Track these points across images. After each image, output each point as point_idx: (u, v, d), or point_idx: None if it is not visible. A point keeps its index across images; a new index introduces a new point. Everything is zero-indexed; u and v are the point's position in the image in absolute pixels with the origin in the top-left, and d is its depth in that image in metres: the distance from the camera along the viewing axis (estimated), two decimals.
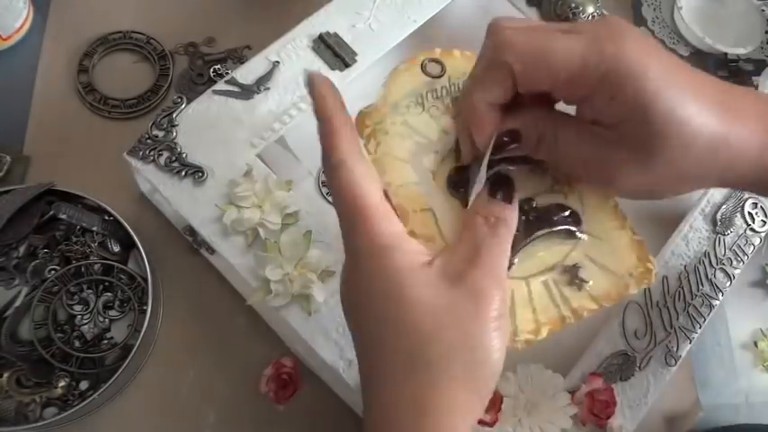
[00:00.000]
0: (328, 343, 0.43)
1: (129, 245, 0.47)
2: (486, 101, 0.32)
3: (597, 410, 0.44)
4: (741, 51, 0.66)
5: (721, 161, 0.31)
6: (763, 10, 0.69)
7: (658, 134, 0.30)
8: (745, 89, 0.34)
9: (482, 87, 0.32)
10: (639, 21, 0.69)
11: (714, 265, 0.51)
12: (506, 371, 0.43)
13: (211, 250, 0.47)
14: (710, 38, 0.66)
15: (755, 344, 0.56)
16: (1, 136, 0.52)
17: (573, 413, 0.44)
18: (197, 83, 0.56)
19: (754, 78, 0.66)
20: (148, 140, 0.46)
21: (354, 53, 0.51)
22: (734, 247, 0.52)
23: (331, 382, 0.47)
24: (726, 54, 0.67)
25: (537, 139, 0.33)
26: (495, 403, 0.41)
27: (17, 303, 0.43)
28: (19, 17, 0.55)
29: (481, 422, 0.41)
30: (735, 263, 0.52)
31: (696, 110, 0.30)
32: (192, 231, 0.47)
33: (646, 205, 0.57)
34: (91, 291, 0.45)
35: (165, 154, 0.45)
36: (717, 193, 0.53)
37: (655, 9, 0.70)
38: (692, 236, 0.52)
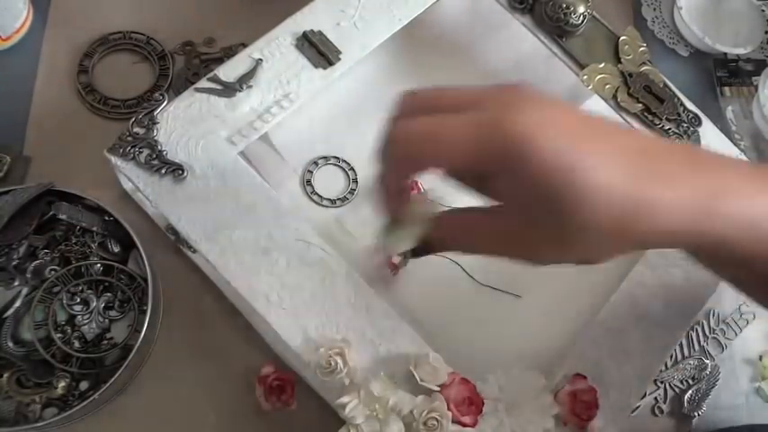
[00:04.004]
0: (307, 342, 0.43)
1: (128, 245, 0.48)
2: (387, 188, 0.34)
3: (579, 411, 0.44)
4: (741, 51, 0.66)
5: (645, 228, 0.28)
6: (763, 10, 0.69)
7: (566, 210, 0.28)
8: (673, 145, 0.31)
9: (388, 180, 0.33)
10: (639, 21, 0.68)
11: (707, 334, 0.54)
12: (487, 373, 0.44)
13: (193, 249, 0.47)
14: (710, 38, 0.65)
15: (760, 358, 0.56)
16: (1, 136, 0.53)
17: (554, 413, 0.44)
18: (193, 82, 0.57)
19: (753, 78, 0.66)
20: (129, 138, 0.46)
21: (339, 51, 0.51)
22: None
23: (311, 380, 0.48)
24: (726, 54, 0.67)
25: (455, 238, 0.34)
26: (477, 406, 0.43)
27: (17, 304, 0.44)
28: (19, 17, 0.55)
29: (461, 423, 0.42)
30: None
31: (607, 176, 0.27)
32: (173, 229, 0.47)
33: None
34: (91, 291, 0.46)
35: (146, 151, 0.46)
36: None
37: (655, 9, 0.69)
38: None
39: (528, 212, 0.29)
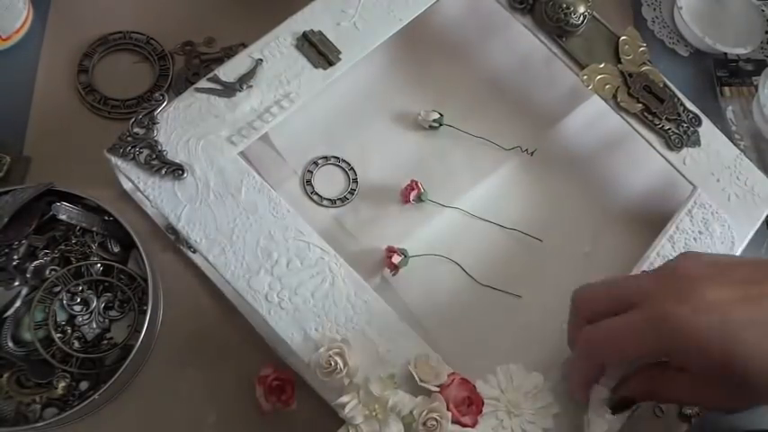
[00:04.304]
0: (307, 342, 0.44)
1: (128, 245, 0.48)
2: (582, 380, 0.42)
3: None
4: (741, 51, 0.66)
5: None
6: (763, 10, 0.69)
7: (738, 378, 0.34)
8: None
9: (577, 373, 0.42)
10: (639, 21, 0.69)
11: None
12: (486, 373, 0.44)
13: (193, 249, 0.47)
14: (710, 38, 0.65)
15: None
16: (1, 136, 0.53)
17: (555, 412, 0.44)
18: (193, 82, 0.57)
19: (753, 78, 0.66)
20: (129, 138, 0.46)
21: (338, 51, 0.51)
22: None
23: (311, 380, 0.48)
24: (726, 54, 0.67)
25: (648, 394, 0.40)
26: (477, 406, 0.43)
27: (17, 304, 0.44)
28: (19, 17, 0.55)
29: (461, 424, 0.42)
30: None
31: (761, 346, 0.33)
32: (173, 229, 0.48)
33: (632, 205, 0.59)
34: (91, 291, 0.46)
35: (146, 151, 0.46)
36: (704, 194, 0.54)
37: (655, 9, 0.69)
38: (678, 237, 0.52)
39: (707, 379, 0.36)
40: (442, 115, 0.57)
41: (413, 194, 0.54)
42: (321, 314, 0.44)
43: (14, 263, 0.45)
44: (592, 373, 0.41)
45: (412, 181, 0.54)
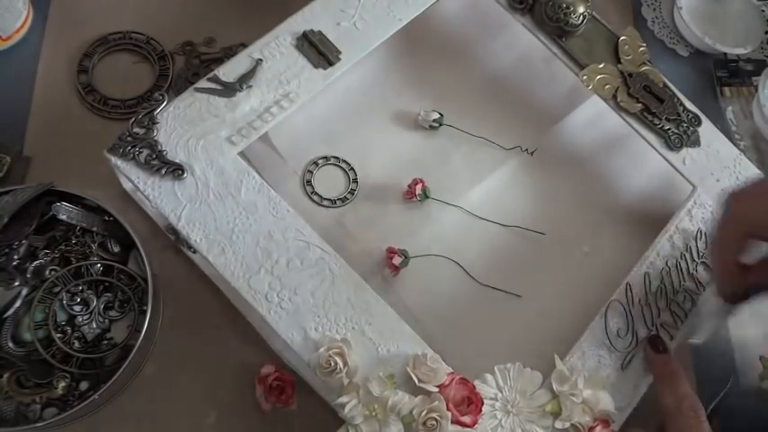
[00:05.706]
0: (307, 342, 0.44)
1: (128, 245, 0.48)
2: (731, 260, 0.41)
3: None
4: (741, 51, 0.66)
5: None
6: (763, 10, 0.69)
7: None
8: None
9: (726, 251, 0.42)
10: (639, 21, 0.69)
11: (695, 259, 0.52)
12: (485, 373, 0.44)
13: (193, 249, 0.47)
14: (710, 38, 0.66)
15: (761, 358, 0.56)
16: (1, 136, 0.53)
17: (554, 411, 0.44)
18: (193, 82, 0.57)
19: (753, 78, 0.66)
20: (129, 138, 0.46)
21: (338, 51, 0.51)
22: None
23: (311, 380, 0.48)
24: (726, 54, 0.67)
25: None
26: (477, 406, 0.42)
27: (17, 304, 0.44)
28: (19, 17, 0.56)
29: (460, 424, 0.42)
30: None
31: None
32: (173, 229, 0.47)
33: (631, 205, 0.59)
34: (91, 291, 0.46)
35: (146, 151, 0.46)
36: (704, 194, 0.54)
37: (655, 9, 0.69)
38: (677, 237, 0.52)
39: None
40: (442, 115, 0.57)
41: (418, 188, 0.54)
42: (321, 314, 0.44)
43: (14, 263, 0.45)
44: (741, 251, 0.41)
45: (415, 178, 0.54)
